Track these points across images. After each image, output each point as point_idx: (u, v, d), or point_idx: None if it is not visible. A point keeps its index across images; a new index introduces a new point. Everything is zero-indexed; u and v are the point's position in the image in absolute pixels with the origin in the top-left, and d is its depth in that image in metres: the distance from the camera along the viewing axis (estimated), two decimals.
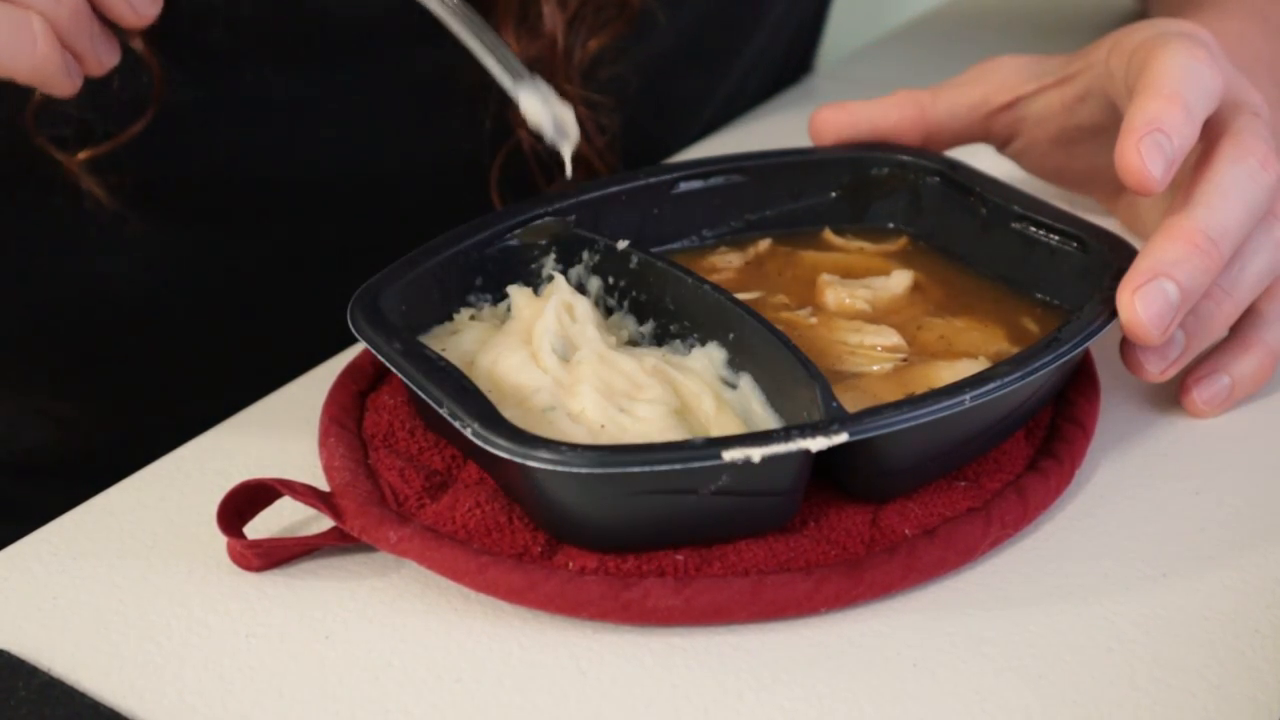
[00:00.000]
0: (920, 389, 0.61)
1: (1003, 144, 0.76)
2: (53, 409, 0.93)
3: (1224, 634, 0.54)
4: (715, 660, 0.53)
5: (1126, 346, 0.63)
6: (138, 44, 0.73)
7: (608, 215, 0.69)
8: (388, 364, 0.58)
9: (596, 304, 0.66)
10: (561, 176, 0.82)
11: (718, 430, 0.59)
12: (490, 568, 0.55)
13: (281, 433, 0.65)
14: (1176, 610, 0.55)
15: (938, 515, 0.58)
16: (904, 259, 0.72)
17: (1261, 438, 0.64)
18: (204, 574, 0.57)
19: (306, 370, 0.70)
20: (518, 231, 0.67)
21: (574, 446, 0.53)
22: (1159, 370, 0.63)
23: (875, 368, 0.63)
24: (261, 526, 0.59)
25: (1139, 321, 0.59)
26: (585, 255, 0.67)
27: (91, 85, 0.64)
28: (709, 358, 0.63)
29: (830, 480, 0.58)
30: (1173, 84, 0.61)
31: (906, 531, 0.57)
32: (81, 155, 0.76)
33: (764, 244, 0.72)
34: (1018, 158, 0.77)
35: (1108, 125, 0.70)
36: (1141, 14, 0.97)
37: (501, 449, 0.53)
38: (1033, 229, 0.68)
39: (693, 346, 0.64)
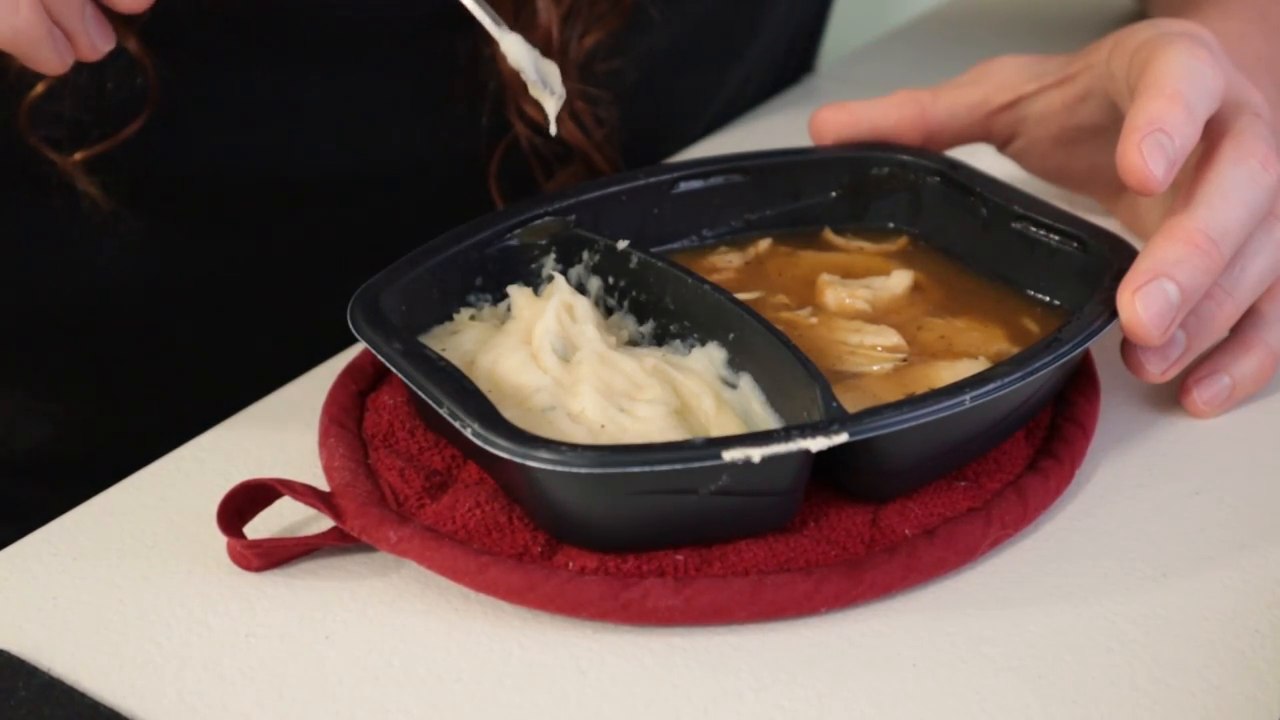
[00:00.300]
0: (920, 389, 0.61)
1: (1003, 144, 0.76)
2: (51, 408, 0.93)
3: (1224, 634, 0.54)
4: (715, 660, 0.53)
5: (1127, 347, 0.63)
6: (132, 44, 0.73)
7: (608, 215, 0.69)
8: (388, 364, 0.58)
9: (596, 304, 0.66)
10: (561, 172, 0.82)
11: (718, 430, 0.59)
12: (490, 568, 0.55)
13: (281, 433, 0.65)
14: (1176, 610, 0.55)
15: (938, 515, 0.58)
16: (904, 259, 0.72)
17: (1261, 438, 0.64)
18: (204, 574, 0.57)
19: (306, 370, 0.70)
20: (518, 231, 0.67)
21: (574, 446, 0.53)
22: (1159, 371, 0.63)
23: (875, 368, 0.63)
24: (261, 526, 0.59)
25: (1139, 322, 0.59)
26: (585, 255, 0.67)
27: (85, 86, 0.64)
28: (709, 358, 0.63)
29: (830, 480, 0.58)
30: (1174, 84, 0.61)
31: (906, 531, 0.57)
32: (77, 156, 0.76)
33: (764, 244, 0.72)
34: (1018, 158, 0.76)
35: (1108, 125, 0.70)
36: (1141, 14, 0.97)
37: (501, 449, 0.53)
38: (1033, 229, 0.68)
39: (693, 346, 0.64)
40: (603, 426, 0.58)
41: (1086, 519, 0.60)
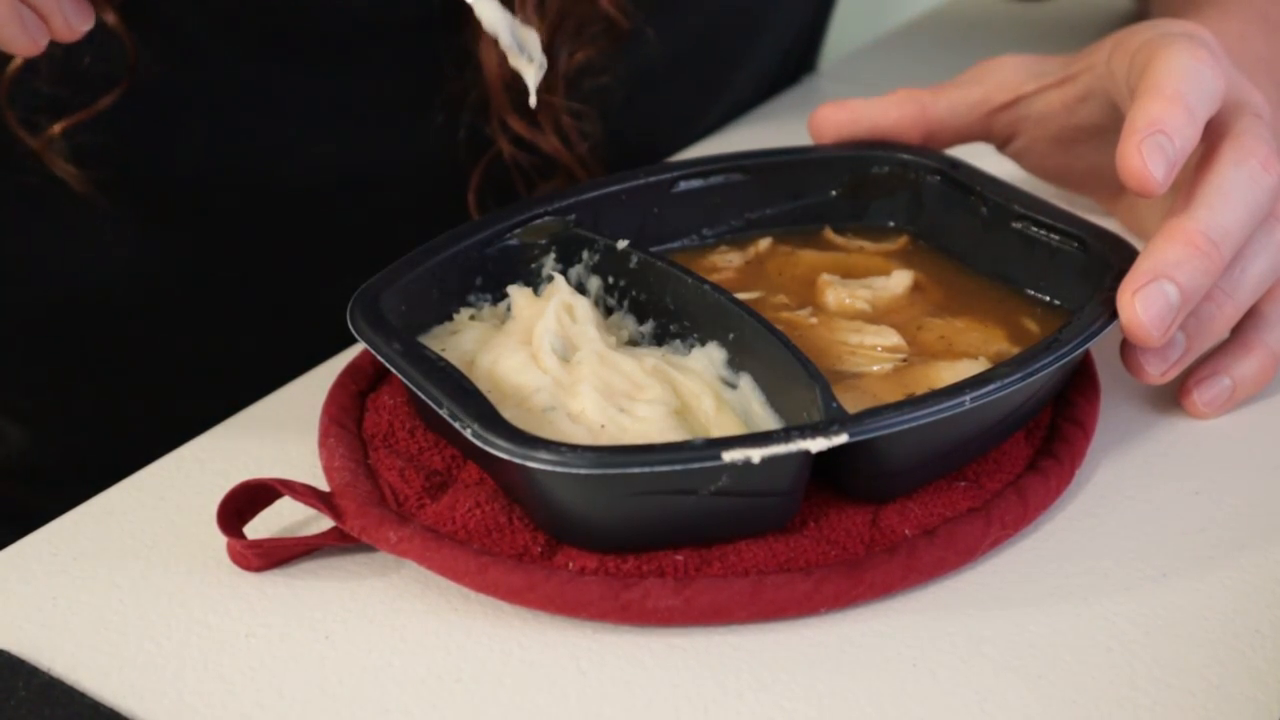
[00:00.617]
0: (920, 389, 0.61)
1: (1003, 143, 0.76)
2: (50, 409, 0.93)
3: (1224, 634, 0.54)
4: (715, 660, 0.53)
5: (1127, 348, 0.63)
6: (111, 17, 0.72)
7: (607, 214, 0.69)
8: (387, 364, 0.58)
9: (596, 304, 0.66)
10: (543, 184, 0.82)
11: (718, 430, 0.59)
12: (490, 568, 0.55)
13: (281, 433, 0.65)
14: (1176, 610, 0.55)
15: (938, 515, 0.58)
16: (904, 258, 0.72)
17: (1261, 438, 0.64)
18: (204, 574, 0.57)
19: (306, 370, 0.70)
20: (518, 231, 0.67)
21: (574, 447, 0.53)
22: (1159, 372, 0.63)
23: (875, 368, 0.63)
24: (261, 526, 0.59)
25: (1139, 323, 0.59)
26: (585, 255, 0.67)
27: (61, 59, 0.62)
28: (709, 358, 0.63)
29: (830, 480, 0.58)
30: (1175, 85, 0.61)
31: (906, 532, 0.57)
32: (55, 128, 0.75)
33: (764, 243, 0.72)
34: (1018, 157, 0.76)
35: (1109, 126, 0.70)
36: (1142, 14, 0.97)
37: (501, 450, 0.53)
38: (1033, 229, 0.68)
39: (693, 346, 0.64)
40: (602, 427, 0.58)
41: (1086, 519, 0.60)
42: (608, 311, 0.67)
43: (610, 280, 0.67)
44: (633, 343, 0.66)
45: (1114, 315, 0.60)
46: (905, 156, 0.73)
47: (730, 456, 0.52)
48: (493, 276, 0.66)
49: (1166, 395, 0.66)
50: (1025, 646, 0.53)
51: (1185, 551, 0.58)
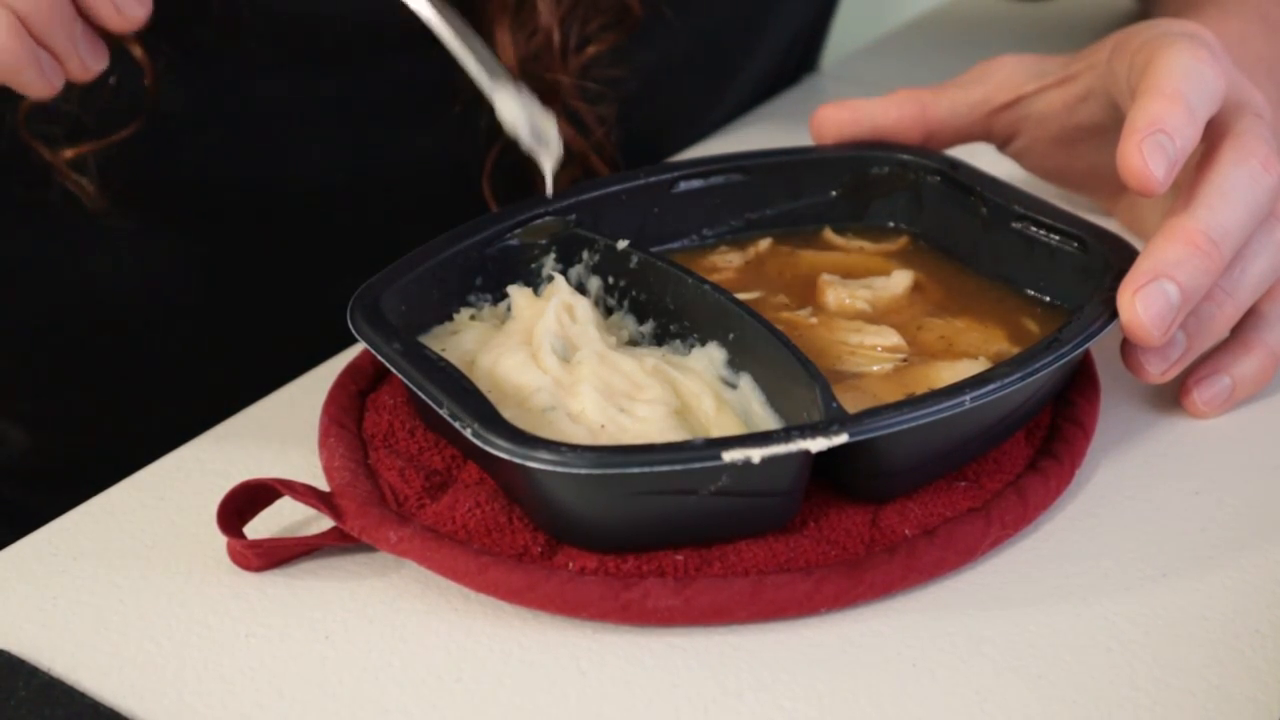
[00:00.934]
0: (920, 389, 0.61)
1: (1004, 143, 0.76)
2: (52, 412, 0.93)
3: (1224, 634, 0.54)
4: (715, 660, 0.53)
5: (1127, 347, 0.63)
6: (137, 50, 0.73)
7: (608, 215, 0.69)
8: (387, 364, 0.58)
9: (596, 304, 0.66)
10: (559, 174, 0.82)
11: (718, 430, 0.59)
12: (490, 568, 0.55)
13: (281, 433, 0.65)
14: (1176, 610, 0.55)
15: (938, 515, 0.58)
16: (904, 258, 0.72)
17: (1261, 438, 0.64)
18: (204, 574, 0.57)
19: (306, 370, 0.70)
20: (518, 231, 0.67)
21: (574, 447, 0.53)
22: (1160, 371, 0.63)
23: (875, 368, 0.63)
24: (261, 526, 0.59)
25: (1140, 322, 0.59)
26: (585, 255, 0.67)
27: (89, 84, 0.63)
28: (709, 358, 0.63)
29: (830, 480, 0.58)
30: (1175, 84, 0.61)
31: (906, 532, 0.57)
32: (68, 153, 0.76)
33: (764, 243, 0.72)
34: (1019, 157, 0.76)
35: (1109, 125, 0.70)
36: (1142, 14, 0.97)
37: (501, 450, 0.53)
38: (1033, 229, 0.68)
39: (693, 346, 0.64)
40: (602, 427, 0.58)
41: (1086, 519, 0.60)
42: (608, 311, 0.67)
43: (610, 280, 0.67)
44: (633, 343, 0.66)
45: (1114, 315, 0.60)
46: (905, 157, 0.73)
47: (730, 456, 0.52)
48: (493, 276, 0.66)
49: (1166, 395, 0.66)
50: (1025, 646, 0.53)
51: (1185, 551, 0.58)
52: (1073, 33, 0.97)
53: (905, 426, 0.54)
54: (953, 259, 0.71)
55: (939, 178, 0.72)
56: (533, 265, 0.67)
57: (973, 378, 0.56)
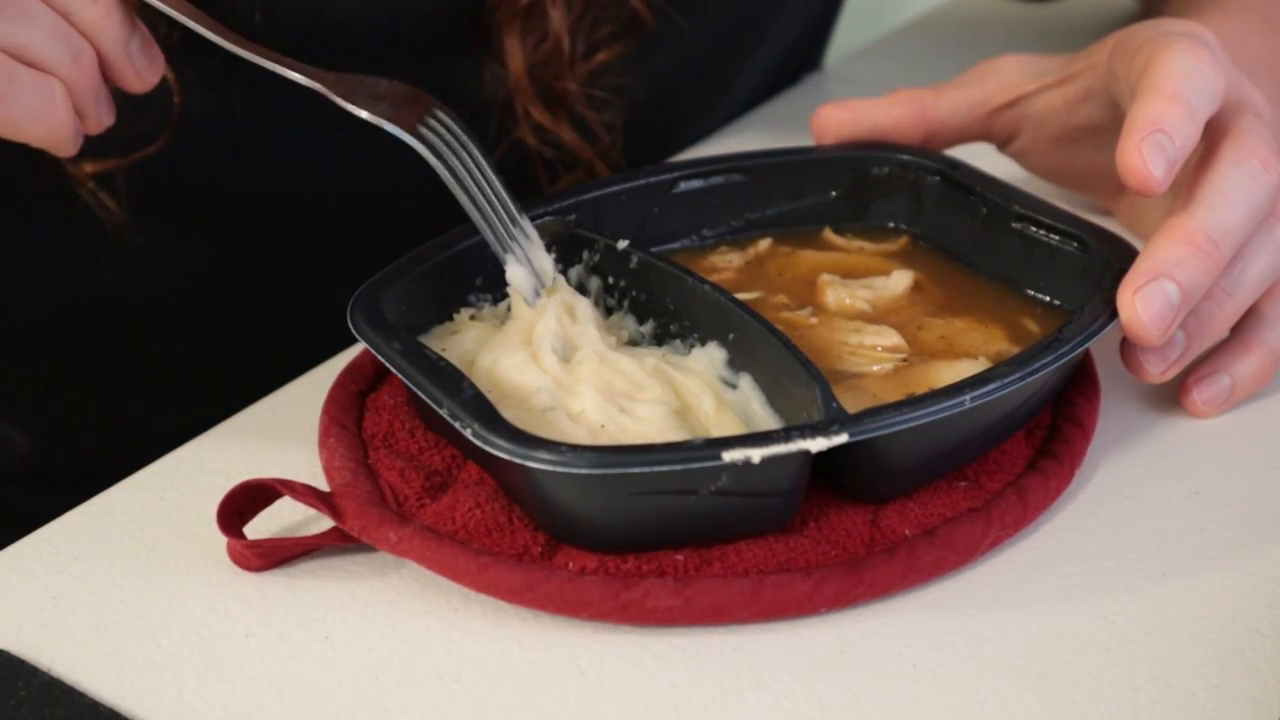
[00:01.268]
0: (920, 389, 0.61)
1: (1004, 143, 0.76)
2: (54, 414, 0.93)
3: (1224, 634, 0.54)
4: (715, 660, 0.53)
5: (1127, 347, 0.63)
6: (169, 74, 0.73)
7: (608, 215, 0.69)
8: (388, 364, 0.58)
9: (596, 304, 0.66)
10: (566, 177, 0.82)
11: (718, 430, 0.59)
12: (490, 568, 0.55)
13: (281, 433, 0.65)
14: (1176, 610, 0.55)
15: (938, 515, 0.58)
16: (904, 259, 0.72)
17: (1261, 438, 0.64)
18: (204, 574, 0.57)
19: (306, 370, 0.70)
20: None
21: (574, 447, 0.53)
22: (1159, 371, 0.63)
23: (875, 368, 0.63)
24: (261, 526, 0.59)
25: (1139, 322, 0.59)
26: (585, 255, 0.67)
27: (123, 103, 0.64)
28: (709, 358, 0.63)
29: (830, 480, 0.58)
30: (1175, 84, 0.61)
31: (906, 532, 0.57)
32: (87, 168, 0.76)
33: (764, 243, 0.72)
34: (1019, 157, 0.76)
35: (1109, 125, 0.70)
36: (1143, 14, 0.97)
37: (501, 450, 0.53)
38: (1033, 229, 0.68)
39: (693, 346, 0.64)
40: (602, 427, 0.58)
41: (1086, 519, 0.60)
42: (608, 311, 0.67)
43: (610, 280, 0.67)
44: (633, 343, 0.66)
45: (1114, 314, 0.60)
46: (905, 157, 0.73)
47: (730, 456, 0.52)
48: (493, 276, 0.66)
49: (1166, 395, 0.66)
50: (1025, 646, 0.53)
51: (1185, 551, 0.58)
52: (1073, 33, 0.97)
53: (905, 426, 0.54)
54: (953, 259, 0.71)
55: (939, 178, 0.72)
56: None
57: (973, 378, 0.56)
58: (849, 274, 0.70)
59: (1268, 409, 0.66)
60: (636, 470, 0.53)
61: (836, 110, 0.74)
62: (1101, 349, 0.64)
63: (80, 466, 0.82)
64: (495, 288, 0.66)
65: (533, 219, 0.67)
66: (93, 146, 0.75)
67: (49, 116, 0.59)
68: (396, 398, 0.64)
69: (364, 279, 0.62)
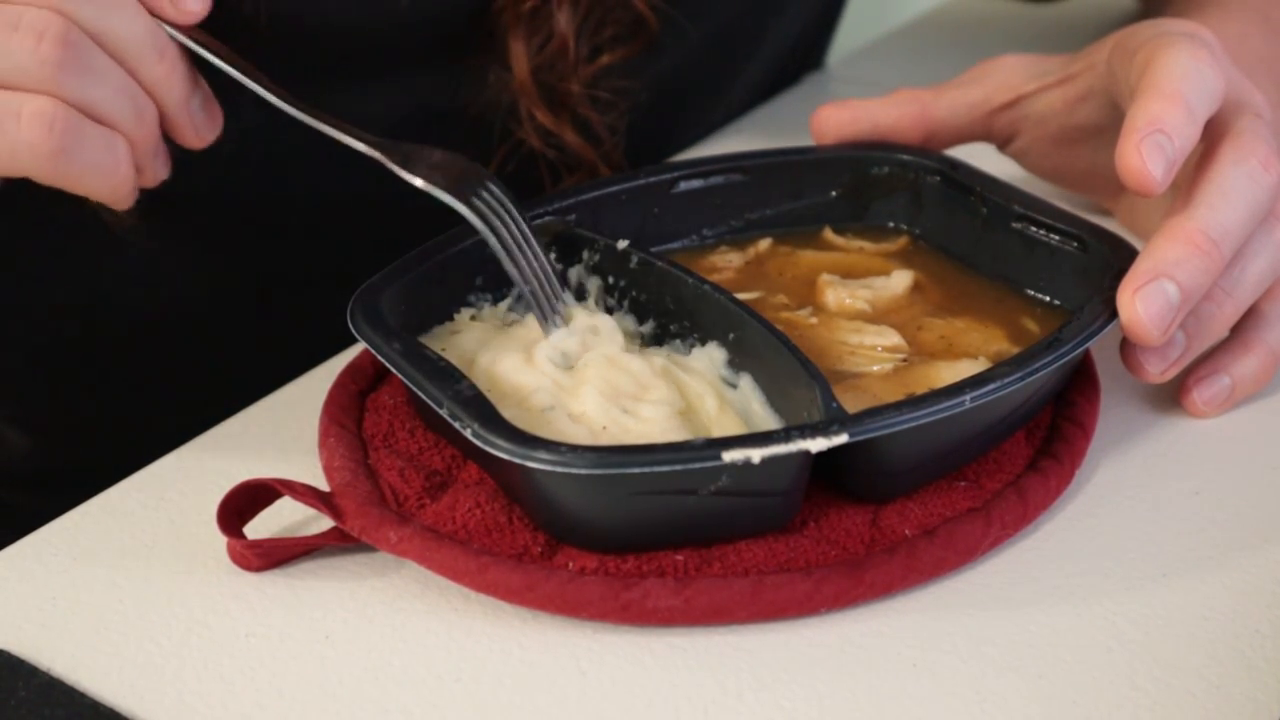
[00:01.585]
0: (920, 389, 0.61)
1: (1004, 143, 0.76)
2: (51, 414, 0.92)
3: (1224, 634, 0.54)
4: (715, 660, 0.53)
5: (1127, 347, 0.63)
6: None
7: (608, 214, 0.69)
8: (388, 364, 0.58)
9: (596, 304, 0.66)
10: (569, 179, 0.82)
11: (719, 431, 0.59)
12: (490, 568, 0.55)
13: (281, 433, 0.65)
14: (1176, 610, 0.55)
15: (938, 515, 0.58)
16: (904, 258, 0.72)
17: (1261, 438, 0.64)
18: (204, 574, 0.57)
19: (306, 370, 0.70)
20: None
21: (573, 447, 0.53)
22: (1159, 371, 0.63)
23: (875, 368, 0.63)
24: (261, 526, 0.59)
25: (1140, 322, 0.59)
26: (585, 255, 0.67)
27: None
28: (709, 358, 0.63)
29: (830, 480, 0.58)
30: (1174, 85, 0.61)
31: (906, 532, 0.57)
32: None
33: (764, 243, 0.72)
34: (1018, 157, 0.76)
35: (1109, 125, 0.70)
36: (1143, 14, 0.97)
37: (501, 450, 0.53)
38: (1033, 229, 0.68)
39: (693, 346, 0.64)
40: (604, 428, 0.58)
41: (1086, 519, 0.60)
42: (608, 311, 0.67)
43: (610, 280, 0.67)
44: (634, 343, 0.66)
45: (1114, 314, 0.60)
46: (905, 157, 0.73)
47: (730, 456, 0.52)
48: (493, 276, 0.66)
49: (1166, 395, 0.66)
50: (1025, 646, 0.53)
51: (1185, 551, 0.58)
52: (1073, 33, 0.97)
53: (905, 426, 0.54)
54: (953, 259, 0.71)
55: (939, 178, 0.72)
56: None
57: (973, 378, 0.56)
58: (849, 274, 0.70)
59: (1268, 409, 0.66)
60: (636, 470, 0.53)
61: (836, 110, 0.74)
62: (1102, 349, 0.65)
63: (80, 466, 0.82)
64: (495, 287, 0.66)
65: (533, 219, 0.67)
66: None
67: (113, 174, 0.59)
68: (396, 398, 0.64)
69: (364, 280, 0.62)
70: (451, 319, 0.65)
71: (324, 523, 0.59)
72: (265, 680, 0.52)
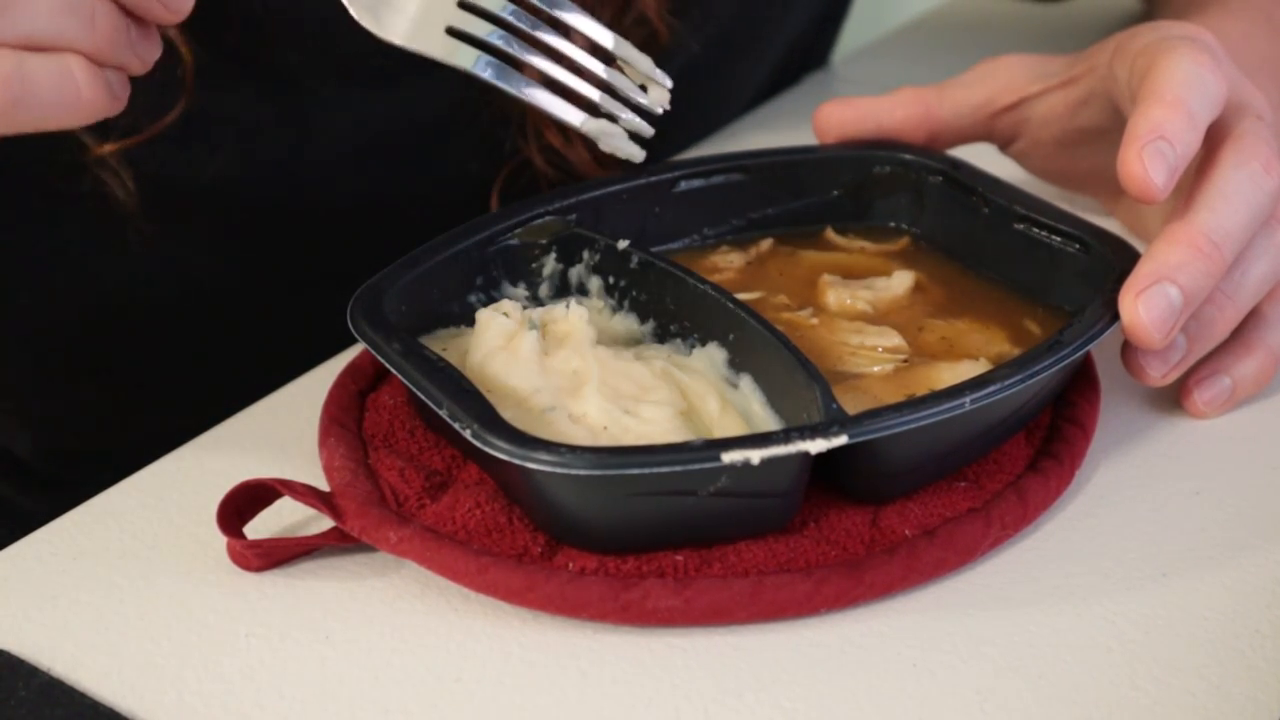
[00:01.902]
0: (921, 390, 0.61)
1: (1006, 144, 0.76)
2: (50, 413, 0.93)
3: (1224, 634, 0.54)
4: (715, 660, 0.53)
5: (1128, 350, 0.63)
6: (171, 31, 0.71)
7: (608, 214, 0.69)
8: (387, 364, 0.58)
9: (598, 302, 0.66)
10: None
11: (721, 431, 0.59)
12: (490, 568, 0.55)
13: (281, 433, 0.65)
14: (1176, 610, 0.55)
15: (938, 516, 0.58)
16: (906, 259, 0.72)
17: (1261, 438, 0.64)
18: (204, 574, 0.57)
19: (306, 370, 0.70)
20: (518, 231, 0.67)
21: (573, 448, 0.53)
22: (1160, 374, 0.63)
23: (876, 369, 0.63)
24: (261, 526, 0.59)
25: (1141, 325, 0.59)
26: (586, 255, 0.67)
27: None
28: (709, 358, 0.63)
29: (830, 481, 0.58)
30: (1176, 90, 0.61)
31: (906, 532, 0.57)
32: (108, 147, 0.75)
33: (766, 243, 0.72)
34: (1020, 158, 0.76)
35: (1110, 128, 0.70)
36: (1145, 14, 0.97)
37: (501, 450, 0.53)
38: (1035, 230, 0.68)
39: (693, 347, 0.64)
40: (605, 428, 0.58)
41: (1086, 519, 0.60)
42: (609, 312, 0.67)
43: (611, 280, 0.67)
44: (634, 342, 0.66)
45: (1115, 317, 0.60)
46: (907, 157, 0.73)
47: (730, 458, 0.52)
48: (493, 276, 0.66)
49: (1166, 396, 0.66)
50: (1025, 646, 0.53)
51: (1185, 551, 0.58)
52: (1074, 33, 0.97)
53: (905, 428, 0.54)
54: (954, 260, 0.71)
55: (941, 178, 0.72)
56: (533, 265, 0.67)
57: (973, 379, 0.56)
58: (850, 274, 0.70)
59: (1268, 409, 0.66)
60: (636, 471, 0.53)
61: (840, 108, 0.74)
62: (1102, 349, 0.64)
63: (80, 466, 0.82)
64: (495, 287, 0.66)
65: (533, 218, 0.67)
66: (104, 127, 0.75)
67: (74, 102, 0.55)
68: (396, 398, 0.64)
69: (364, 280, 0.62)
70: (452, 319, 0.65)
71: (324, 523, 0.59)
72: (265, 680, 0.52)
